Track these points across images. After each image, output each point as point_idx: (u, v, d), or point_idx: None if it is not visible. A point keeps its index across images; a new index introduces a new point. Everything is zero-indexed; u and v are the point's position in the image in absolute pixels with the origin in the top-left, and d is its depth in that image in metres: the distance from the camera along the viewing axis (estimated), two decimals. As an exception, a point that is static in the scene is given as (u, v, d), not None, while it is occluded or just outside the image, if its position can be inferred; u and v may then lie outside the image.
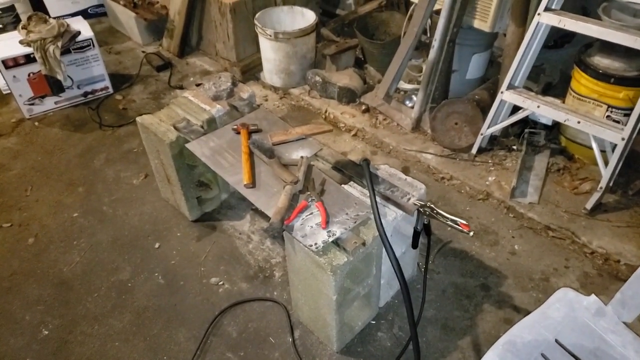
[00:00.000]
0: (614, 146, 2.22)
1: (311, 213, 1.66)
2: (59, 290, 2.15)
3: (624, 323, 1.29)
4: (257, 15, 3.22)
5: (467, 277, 2.14)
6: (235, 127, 2.06)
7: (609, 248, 2.18)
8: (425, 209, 1.68)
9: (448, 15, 2.59)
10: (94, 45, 3.20)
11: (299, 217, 1.64)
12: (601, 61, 2.34)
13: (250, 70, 3.53)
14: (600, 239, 2.22)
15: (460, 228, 1.58)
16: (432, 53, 2.69)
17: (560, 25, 2.22)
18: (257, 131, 2.08)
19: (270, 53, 3.25)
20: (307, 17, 3.31)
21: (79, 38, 3.12)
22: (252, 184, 1.79)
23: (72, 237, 2.39)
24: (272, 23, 3.31)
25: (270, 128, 2.09)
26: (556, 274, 2.13)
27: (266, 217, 1.69)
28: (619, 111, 2.33)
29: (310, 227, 1.60)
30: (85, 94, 3.35)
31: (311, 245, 1.53)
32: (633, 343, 1.25)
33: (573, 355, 1.22)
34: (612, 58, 2.31)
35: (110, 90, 3.43)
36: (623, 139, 2.16)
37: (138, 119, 2.21)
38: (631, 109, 2.14)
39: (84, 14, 4.11)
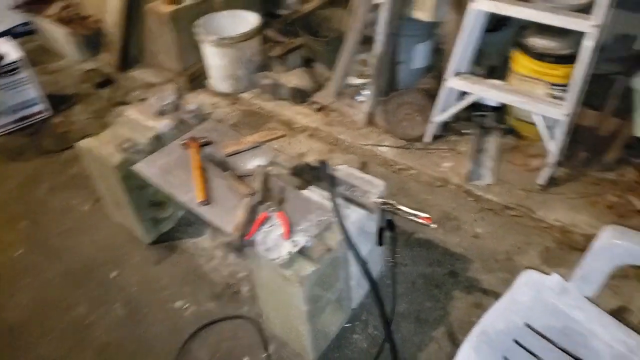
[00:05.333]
0: (560, 122, 2.29)
1: (273, 224, 1.61)
2: (6, 339, 1.99)
3: (587, 298, 1.33)
4: (197, 22, 3.13)
5: (435, 266, 2.15)
6: (184, 142, 1.99)
7: (565, 220, 2.25)
8: (387, 206, 1.67)
9: (390, 7, 2.59)
10: (23, 67, 3.01)
11: (260, 230, 1.60)
12: (538, 42, 2.40)
13: (198, 78, 3.42)
14: (555, 212, 2.29)
15: (422, 222, 1.58)
16: (378, 46, 2.69)
17: (495, 11, 2.27)
18: (208, 143, 2.01)
19: (215, 59, 3.16)
20: (249, 20, 3.24)
21: (4, 62, 2.93)
22: (207, 200, 1.72)
23: (17, 277, 2.23)
24: (214, 29, 3.22)
25: (222, 139, 2.03)
26: (519, 252, 2.18)
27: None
28: (559, 88, 2.40)
29: (273, 239, 1.56)
30: (21, 120, 3.16)
31: (276, 259, 1.49)
32: (597, 317, 1.29)
33: (544, 337, 1.24)
34: (548, 38, 2.38)
35: (48, 113, 3.25)
36: (566, 114, 2.23)
37: (79, 143, 2.09)
38: (567, 86, 2.22)
39: (12, 33, 3.86)
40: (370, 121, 2.92)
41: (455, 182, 2.51)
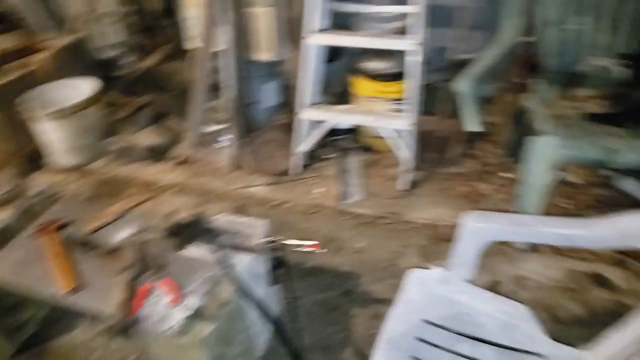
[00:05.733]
0: (407, 132, 2.55)
1: (158, 293, 1.50)
2: None
3: (466, 280, 1.47)
4: (24, 98, 2.84)
5: (327, 290, 2.19)
6: (36, 229, 1.77)
7: (430, 217, 2.47)
8: (273, 244, 1.68)
9: (232, 53, 2.66)
10: None
11: (145, 303, 1.48)
12: (373, 64, 2.67)
13: (36, 157, 3.08)
14: (421, 212, 2.51)
15: (311, 249, 1.62)
16: (228, 91, 2.73)
17: (328, 43, 2.48)
18: (66, 225, 1.81)
19: (54, 134, 2.89)
20: (85, 87, 3.03)
21: None
22: (77, 287, 1.54)
23: None
24: (47, 102, 2.94)
25: (80, 217, 1.85)
26: (400, 256, 2.33)
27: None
28: (401, 102, 2.67)
29: (162, 309, 1.45)
30: None
31: (169, 329, 1.39)
32: (478, 295, 1.43)
33: (441, 327, 1.33)
34: (381, 60, 2.65)
35: None
36: (411, 124, 2.49)
37: None
38: (405, 99, 2.49)
39: None
40: (236, 164, 2.92)
41: (328, 205, 2.62)
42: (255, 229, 1.75)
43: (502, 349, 1.30)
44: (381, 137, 2.88)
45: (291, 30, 2.74)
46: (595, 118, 2.23)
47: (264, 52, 2.79)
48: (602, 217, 1.26)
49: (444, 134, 2.91)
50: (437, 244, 2.38)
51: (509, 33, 2.46)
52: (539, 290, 2.07)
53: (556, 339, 1.33)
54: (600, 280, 2.10)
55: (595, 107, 2.30)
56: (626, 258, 2.11)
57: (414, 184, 2.68)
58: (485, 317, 1.36)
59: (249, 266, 1.67)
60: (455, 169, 2.77)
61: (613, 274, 2.11)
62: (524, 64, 2.80)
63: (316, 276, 2.26)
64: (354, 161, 2.89)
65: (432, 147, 2.87)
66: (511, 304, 1.41)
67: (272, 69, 3.02)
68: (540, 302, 2.00)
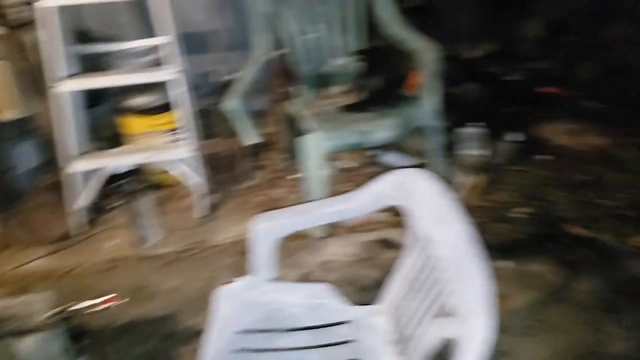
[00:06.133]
0: (191, 159, 2.54)
1: None
2: None
3: (272, 280, 1.53)
4: None
5: (145, 343, 2.01)
6: None
7: (233, 234, 2.51)
8: (62, 315, 1.49)
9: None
10: None
11: None
12: (140, 100, 2.59)
13: None
14: (224, 232, 2.53)
15: (110, 304, 1.49)
16: (-32, 163, 2.32)
17: (80, 88, 2.32)
18: None
19: None
20: None
21: None
22: None
23: None
24: None
25: None
26: (214, 282, 2.26)
27: None
28: (177, 131, 2.64)
29: None
30: None
31: None
32: (283, 289, 1.52)
33: (259, 331, 1.37)
34: (147, 94, 2.59)
35: None
36: (193, 150, 2.49)
37: None
38: (181, 128, 2.49)
39: None
40: (1, 243, 2.48)
41: (127, 255, 2.44)
42: (36, 305, 1.52)
43: (315, 329, 1.39)
44: (167, 171, 2.82)
45: (35, 82, 2.47)
46: (348, 109, 2.58)
47: (6, 111, 2.46)
48: (360, 188, 1.46)
49: (229, 153, 3.00)
50: (242, 258, 2.42)
51: (261, 49, 2.67)
52: (342, 268, 2.29)
53: (360, 303, 1.49)
54: (387, 244, 2.43)
55: (346, 100, 2.67)
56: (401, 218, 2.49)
57: (212, 208, 2.68)
58: (294, 307, 1.45)
59: (36, 348, 1.44)
60: (248, 182, 2.88)
61: (395, 235, 2.46)
62: (283, 75, 3.09)
63: (132, 331, 2.07)
64: (145, 202, 2.75)
65: (221, 168, 2.92)
66: (313, 287, 1.52)
67: (24, 127, 2.68)
68: (346, 278, 2.21)
